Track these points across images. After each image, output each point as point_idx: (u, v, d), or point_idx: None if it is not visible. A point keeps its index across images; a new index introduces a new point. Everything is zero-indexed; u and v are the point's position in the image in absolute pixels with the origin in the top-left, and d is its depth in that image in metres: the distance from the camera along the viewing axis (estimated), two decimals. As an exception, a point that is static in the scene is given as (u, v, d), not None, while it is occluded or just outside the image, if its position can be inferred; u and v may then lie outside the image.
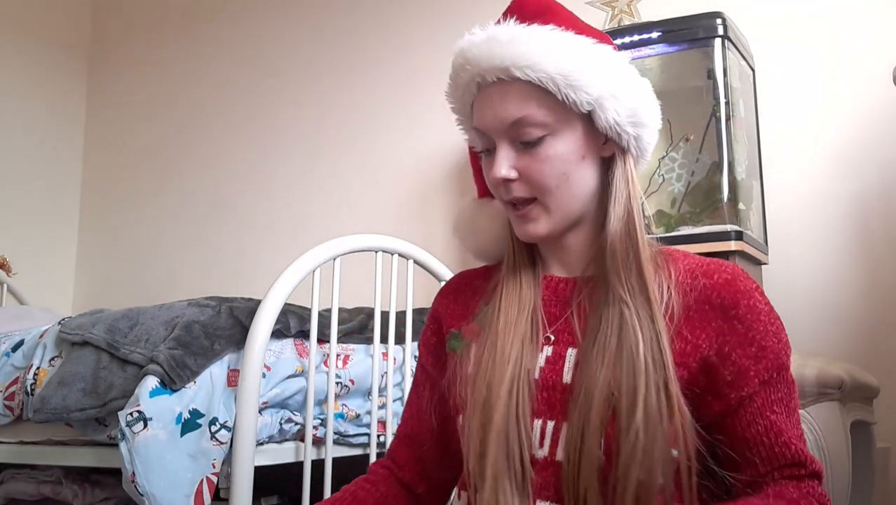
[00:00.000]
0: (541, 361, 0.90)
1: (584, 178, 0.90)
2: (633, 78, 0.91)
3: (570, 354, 0.89)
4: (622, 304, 0.86)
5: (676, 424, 0.82)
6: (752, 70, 2.17)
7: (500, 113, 0.87)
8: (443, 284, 1.86)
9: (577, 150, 0.89)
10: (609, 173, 0.91)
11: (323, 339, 1.67)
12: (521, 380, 0.87)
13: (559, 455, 0.85)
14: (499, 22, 0.92)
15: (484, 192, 1.03)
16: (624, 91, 0.88)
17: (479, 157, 0.97)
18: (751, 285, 0.89)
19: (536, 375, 0.89)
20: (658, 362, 0.83)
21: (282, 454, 1.62)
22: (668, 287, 0.88)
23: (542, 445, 0.87)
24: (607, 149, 0.91)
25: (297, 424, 1.64)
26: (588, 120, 0.89)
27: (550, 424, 0.87)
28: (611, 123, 0.87)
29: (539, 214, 0.90)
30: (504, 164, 0.88)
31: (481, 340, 0.92)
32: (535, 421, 0.87)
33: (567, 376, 0.88)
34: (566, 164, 0.88)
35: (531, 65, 0.84)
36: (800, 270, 2.14)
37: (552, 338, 0.91)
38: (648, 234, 0.94)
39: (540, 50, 0.85)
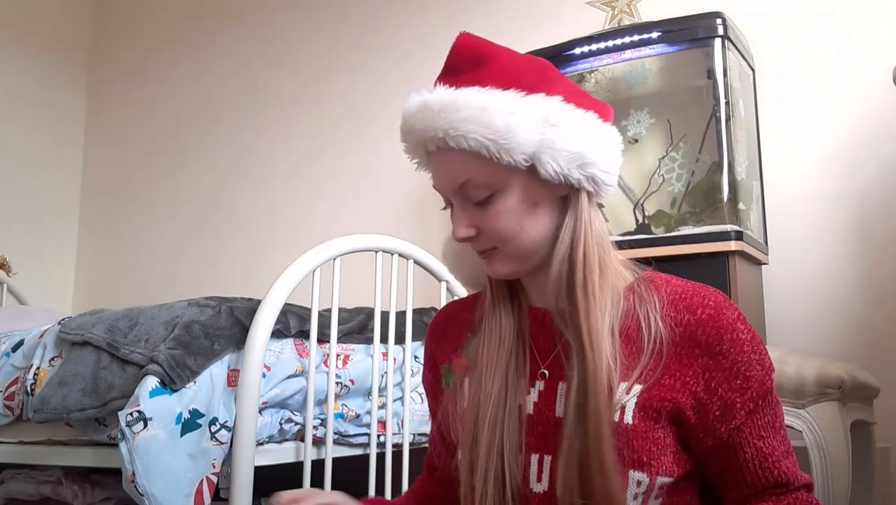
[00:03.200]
0: (534, 397, 0.92)
1: (540, 223, 0.91)
2: (572, 118, 0.89)
3: (561, 387, 0.91)
4: (569, 334, 0.89)
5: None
6: (752, 70, 2.17)
7: (447, 178, 0.90)
8: (443, 282, 1.88)
9: (527, 200, 0.90)
10: (563, 214, 0.92)
11: (323, 339, 1.67)
12: (506, 415, 0.90)
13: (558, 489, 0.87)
14: (438, 80, 0.92)
15: None
16: (562, 137, 0.87)
17: None
18: (733, 316, 0.89)
19: (531, 411, 0.91)
20: (583, 401, 0.85)
21: (282, 454, 1.62)
22: (655, 319, 0.89)
23: (539, 479, 0.89)
24: (562, 189, 0.91)
25: (297, 424, 1.64)
26: (534, 169, 0.88)
27: (547, 459, 0.89)
28: (552, 174, 0.87)
29: (499, 257, 0.92)
30: (461, 225, 0.91)
31: (470, 376, 0.96)
32: (532, 456, 0.90)
33: (559, 409, 0.90)
34: (518, 216, 0.89)
35: (463, 134, 0.85)
36: (800, 270, 2.14)
37: (546, 374, 0.93)
38: (643, 265, 0.96)
39: (468, 118, 0.85)
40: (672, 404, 0.87)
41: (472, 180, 0.88)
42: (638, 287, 0.92)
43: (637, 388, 0.87)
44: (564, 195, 0.92)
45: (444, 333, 1.06)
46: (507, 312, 0.96)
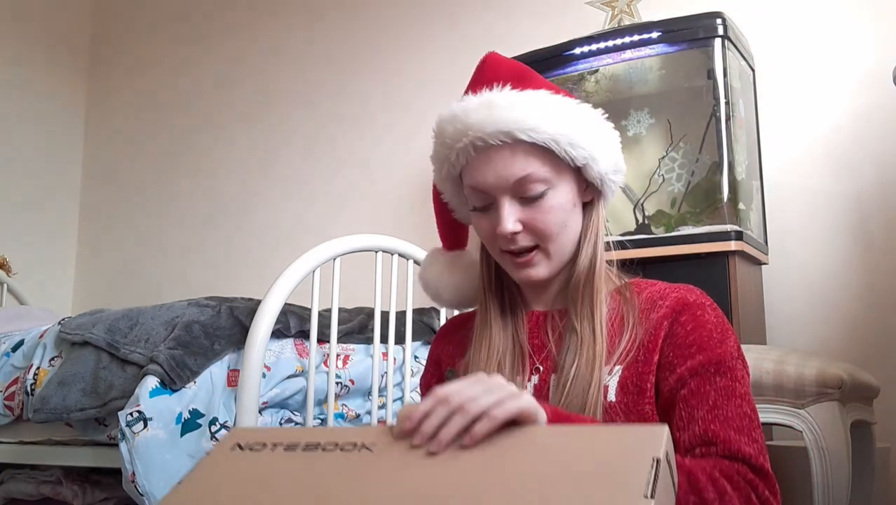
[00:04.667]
0: (530, 390, 0.98)
1: (577, 223, 1.00)
2: (610, 129, 1.00)
3: (553, 378, 0.97)
4: (573, 331, 0.96)
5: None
6: (752, 70, 2.17)
7: (504, 172, 0.94)
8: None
9: (572, 199, 0.98)
10: (587, 216, 1.01)
11: (323, 339, 1.67)
12: None
13: None
14: (468, 90, 0.99)
15: (452, 244, 1.15)
16: (608, 143, 0.99)
17: (451, 212, 1.10)
18: (702, 301, 0.97)
19: None
20: (585, 381, 0.92)
21: (282, 454, 1.62)
22: (634, 315, 0.97)
23: None
24: (588, 194, 1.01)
25: (297, 424, 1.64)
26: (577, 171, 0.98)
27: None
28: (601, 173, 0.97)
29: (540, 260, 0.98)
30: (510, 219, 0.95)
31: None
32: None
33: (552, 399, 0.96)
34: (565, 213, 0.97)
35: (533, 127, 0.93)
36: (799, 270, 2.14)
37: (541, 368, 0.99)
38: (627, 271, 1.05)
39: (539, 113, 0.93)
40: (654, 375, 0.93)
41: (532, 174, 0.94)
42: (623, 290, 1.00)
43: (618, 368, 0.93)
44: (588, 201, 1.01)
45: (449, 340, 1.12)
46: (498, 325, 1.02)
